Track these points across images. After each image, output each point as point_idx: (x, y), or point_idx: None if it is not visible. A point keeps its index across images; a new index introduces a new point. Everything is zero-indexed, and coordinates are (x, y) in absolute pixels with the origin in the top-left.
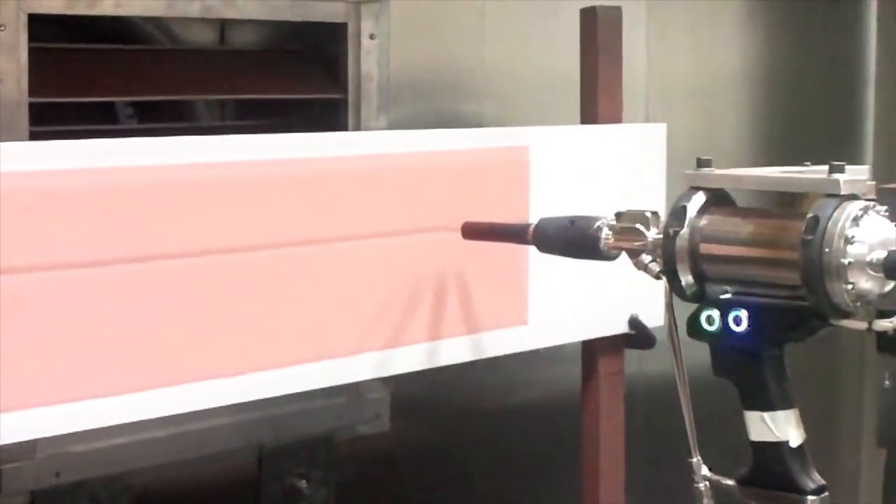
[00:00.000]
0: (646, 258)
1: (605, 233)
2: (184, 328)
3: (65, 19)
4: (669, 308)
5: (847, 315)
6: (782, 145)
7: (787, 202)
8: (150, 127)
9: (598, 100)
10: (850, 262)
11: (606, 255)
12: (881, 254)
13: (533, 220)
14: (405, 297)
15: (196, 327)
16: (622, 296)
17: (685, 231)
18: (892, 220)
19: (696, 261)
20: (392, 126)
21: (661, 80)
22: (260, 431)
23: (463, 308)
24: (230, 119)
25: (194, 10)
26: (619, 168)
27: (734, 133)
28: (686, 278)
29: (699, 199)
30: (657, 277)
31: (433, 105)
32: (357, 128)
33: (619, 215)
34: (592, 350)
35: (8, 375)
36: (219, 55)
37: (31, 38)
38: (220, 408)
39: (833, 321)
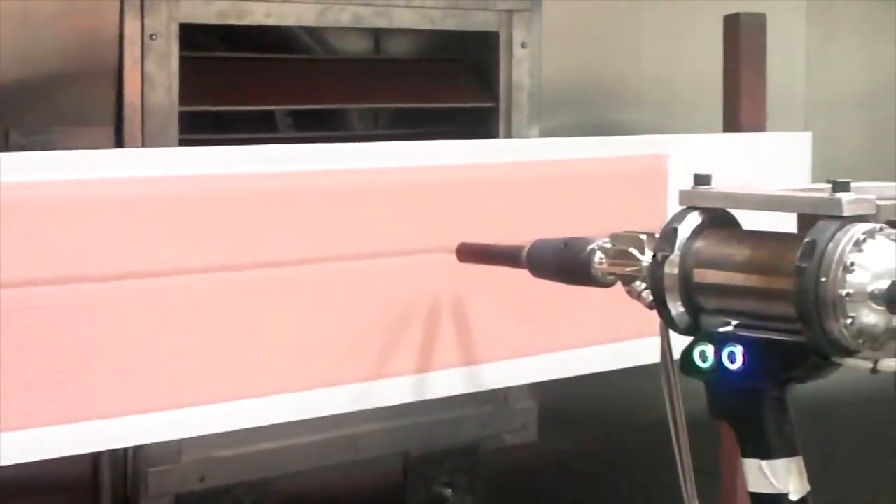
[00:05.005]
0: (639, 285)
1: (599, 257)
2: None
3: (219, 29)
4: (664, 342)
5: (850, 353)
6: None
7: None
8: (305, 136)
9: (740, 107)
10: (848, 294)
11: (601, 282)
12: (884, 283)
13: None
14: (556, 303)
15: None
16: None
17: (675, 256)
18: None
19: (688, 289)
20: (544, 135)
21: (823, 90)
22: (406, 439)
23: (608, 317)
24: (383, 128)
25: (345, 19)
26: (762, 178)
27: None
28: (677, 308)
29: (693, 219)
30: (650, 308)
31: (587, 114)
32: (508, 136)
33: (613, 237)
34: None
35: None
36: (372, 64)
37: (184, 47)
38: (367, 415)
39: (835, 359)
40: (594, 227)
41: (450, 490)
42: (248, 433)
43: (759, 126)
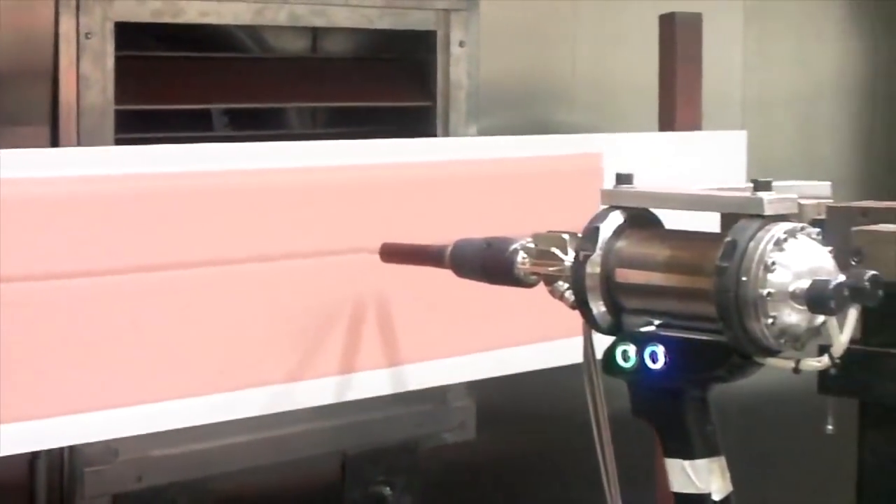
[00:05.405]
0: (562, 285)
1: (521, 257)
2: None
3: (155, 28)
4: (586, 342)
5: (772, 352)
6: (886, 155)
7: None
8: (243, 135)
9: (676, 106)
10: (769, 293)
11: (524, 281)
12: (805, 283)
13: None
14: (484, 303)
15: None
16: None
17: (597, 255)
18: (828, 244)
19: (610, 289)
20: (482, 135)
21: (759, 90)
22: (343, 438)
23: (536, 316)
24: (321, 127)
25: (282, 18)
26: (698, 177)
27: (835, 143)
28: (598, 308)
29: (615, 219)
30: (572, 307)
31: (525, 114)
32: (446, 136)
33: (536, 237)
34: None
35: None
36: (309, 63)
37: (119, 46)
38: (303, 414)
39: (757, 359)
40: (528, 226)
41: (388, 489)
42: (186, 432)
43: (694, 125)
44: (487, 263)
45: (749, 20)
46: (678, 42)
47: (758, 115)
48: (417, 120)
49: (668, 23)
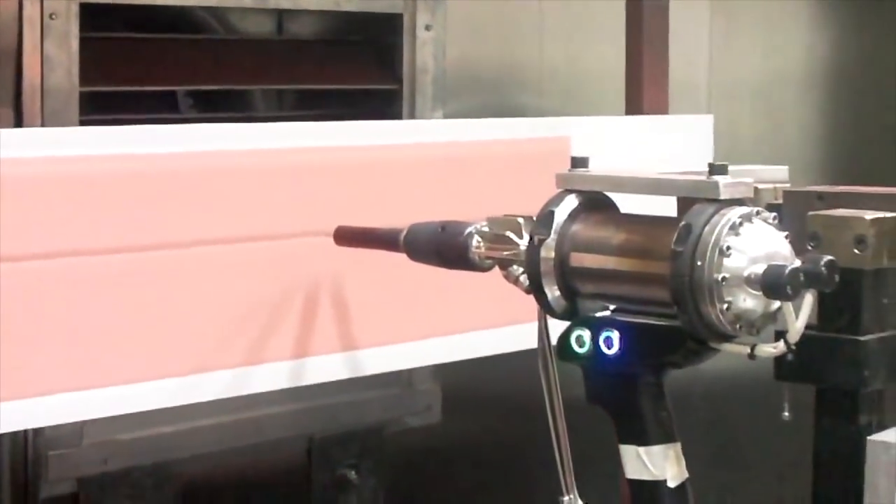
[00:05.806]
0: (517, 270)
1: (476, 241)
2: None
3: (120, 9)
4: (542, 326)
5: (727, 338)
6: (850, 144)
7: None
8: (208, 117)
9: (643, 91)
10: (724, 278)
11: (479, 266)
12: (760, 268)
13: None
14: (441, 286)
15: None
16: None
17: (551, 240)
18: (784, 229)
19: (565, 273)
20: (448, 118)
21: (725, 78)
22: (310, 421)
23: (494, 300)
24: (287, 110)
25: (248, 0)
26: (664, 161)
27: (800, 132)
28: (553, 293)
29: (570, 202)
30: (527, 292)
31: (492, 98)
32: (412, 119)
33: (491, 221)
34: None
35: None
36: (275, 45)
37: (84, 27)
38: (270, 397)
39: (712, 344)
40: (495, 210)
41: (354, 472)
42: (151, 415)
43: (661, 109)
44: (442, 248)
45: (715, 10)
46: (645, 24)
47: (724, 104)
48: (383, 103)
49: (635, 7)
